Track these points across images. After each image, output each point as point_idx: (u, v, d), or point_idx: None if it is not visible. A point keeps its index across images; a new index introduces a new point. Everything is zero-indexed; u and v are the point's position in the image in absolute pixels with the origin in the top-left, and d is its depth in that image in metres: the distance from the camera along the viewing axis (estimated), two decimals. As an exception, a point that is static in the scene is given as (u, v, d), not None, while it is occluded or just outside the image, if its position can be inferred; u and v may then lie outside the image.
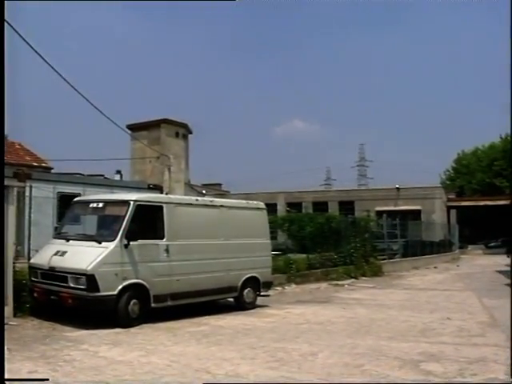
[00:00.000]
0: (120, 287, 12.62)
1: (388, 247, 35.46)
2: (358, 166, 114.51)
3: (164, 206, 14.01)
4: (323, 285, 24.15)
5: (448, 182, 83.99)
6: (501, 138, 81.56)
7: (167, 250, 13.78)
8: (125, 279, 12.73)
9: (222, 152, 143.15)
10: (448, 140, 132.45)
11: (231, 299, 16.42)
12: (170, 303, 13.90)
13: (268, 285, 17.50)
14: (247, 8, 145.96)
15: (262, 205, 17.75)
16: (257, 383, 8.36)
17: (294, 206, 51.90)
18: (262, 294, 17.14)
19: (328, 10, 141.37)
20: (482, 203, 67.63)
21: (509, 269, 29.31)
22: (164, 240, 13.77)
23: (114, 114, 22.56)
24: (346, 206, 54.93)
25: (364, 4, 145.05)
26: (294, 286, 22.97)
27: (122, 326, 12.43)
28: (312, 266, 25.65)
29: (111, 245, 12.68)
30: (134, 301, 12.87)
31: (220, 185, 70.08)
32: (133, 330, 12.36)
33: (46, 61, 15.36)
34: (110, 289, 12.45)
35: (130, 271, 12.87)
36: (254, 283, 16.53)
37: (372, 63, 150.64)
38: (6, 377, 7.41)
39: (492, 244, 69.46)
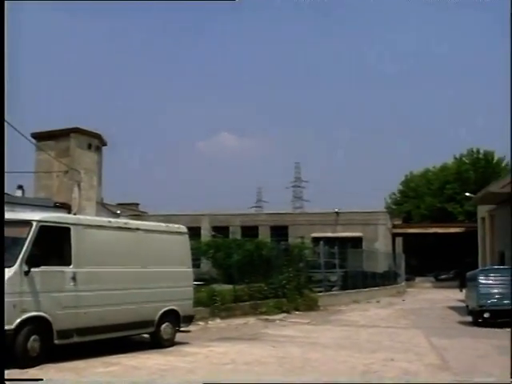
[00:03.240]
0: (18, 321, 12.53)
1: (325, 278, 36.08)
2: (292, 186, 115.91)
3: (72, 227, 14.04)
4: (251, 320, 24.46)
5: (394, 207, 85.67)
6: (454, 158, 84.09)
7: (74, 278, 13.79)
8: (24, 311, 12.66)
9: (140, 168, 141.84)
10: (395, 160, 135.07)
11: (147, 335, 16.53)
12: (76, 339, 13.88)
13: (189, 319, 17.68)
14: (167, 13, 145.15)
15: (183, 228, 17.96)
16: (256, 383, 8.45)
17: (220, 230, 52.15)
18: (181, 329, 17.31)
19: (255, 15, 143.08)
20: (431, 230, 69.50)
21: (462, 304, 30.32)
22: (71, 266, 13.79)
23: (16, 120, 22.36)
24: (279, 232, 55.50)
25: (294, 9, 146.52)
26: (218, 320, 23.20)
27: (20, 366, 12.31)
28: (239, 299, 25.94)
29: (9, 271, 12.57)
30: (34, 336, 12.78)
31: (137, 205, 69.71)
32: (32, 370, 12.24)
33: None
34: (6, 322, 12.30)
35: (31, 302, 12.82)
36: (172, 317, 16.69)
37: (311, 72, 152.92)
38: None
39: (443, 276, 71.23)
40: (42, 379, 8.37)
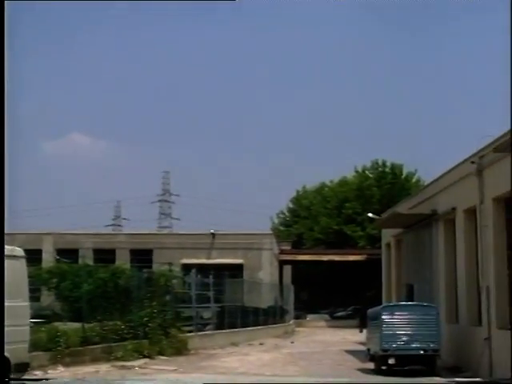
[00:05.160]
0: None
1: (197, 315, 36.06)
2: (159, 201, 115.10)
3: None
4: (104, 367, 24.07)
5: (282, 229, 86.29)
6: (356, 171, 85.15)
7: None
8: None
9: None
10: (284, 172, 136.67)
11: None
12: None
13: (22, 367, 17.13)
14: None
15: (19, 251, 17.47)
16: (256, 383, 8.32)
17: (67, 253, 51.20)
18: (12, 381, 16.77)
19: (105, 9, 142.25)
20: (326, 258, 70.27)
21: (363, 348, 30.79)
22: None
23: None
24: (141, 256, 55.12)
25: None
26: (61, 368, 22.68)
27: None
28: (89, 341, 25.45)
29: None
30: None
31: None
32: None
33: None
34: None
35: None
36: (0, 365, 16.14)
37: (185, 68, 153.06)
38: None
39: (339, 314, 72.35)
40: (42, 379, 8.03)
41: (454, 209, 28.19)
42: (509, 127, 21.18)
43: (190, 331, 33.56)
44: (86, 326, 26.09)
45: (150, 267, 46.72)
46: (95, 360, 24.88)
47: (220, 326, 38.06)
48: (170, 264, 41.18)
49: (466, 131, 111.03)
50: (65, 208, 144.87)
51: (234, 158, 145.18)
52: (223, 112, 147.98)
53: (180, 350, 30.02)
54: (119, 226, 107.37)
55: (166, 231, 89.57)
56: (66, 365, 23.15)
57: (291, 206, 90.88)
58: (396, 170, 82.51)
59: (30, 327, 17.85)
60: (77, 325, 26.13)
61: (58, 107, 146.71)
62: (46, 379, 7.76)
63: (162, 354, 28.42)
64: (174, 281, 35.46)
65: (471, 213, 26.61)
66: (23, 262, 17.44)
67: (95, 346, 25.61)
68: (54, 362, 22.89)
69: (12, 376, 6.78)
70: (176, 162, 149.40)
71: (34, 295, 24.24)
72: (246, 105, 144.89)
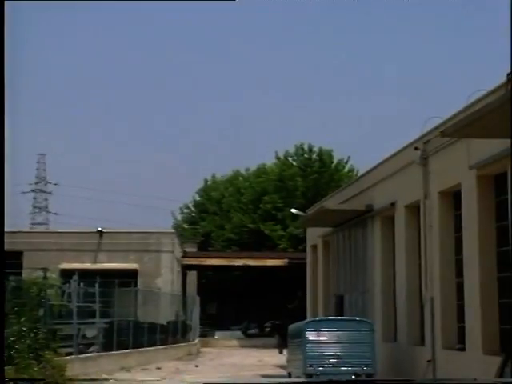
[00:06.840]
0: None
1: (79, 333, 35.62)
2: (32, 191, 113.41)
3: None
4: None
5: (186, 226, 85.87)
6: (277, 158, 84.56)
7: None
8: None
9: None
10: (190, 158, 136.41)
11: None
12: None
13: None
14: None
15: None
16: (256, 383, 8.16)
17: None
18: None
19: None
20: (239, 262, 70.25)
21: (283, 372, 30.88)
22: None
23: None
24: (8, 260, 53.52)
25: None
26: None
27: None
28: None
29: None
30: None
31: None
32: None
33: None
34: None
35: None
36: None
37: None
38: None
39: (254, 330, 72.40)
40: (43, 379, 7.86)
41: (393, 204, 28.39)
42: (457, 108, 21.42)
43: (70, 354, 33.11)
44: None
45: (19, 274, 46.03)
46: None
47: (107, 347, 37.72)
48: (45, 270, 40.63)
49: (409, 112, 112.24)
50: None
51: (129, 140, 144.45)
52: (121, 90, 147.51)
53: (56, 377, 29.57)
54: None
55: (40, 229, 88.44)
56: None
57: (198, 198, 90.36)
58: (324, 156, 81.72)
59: None
60: None
61: None
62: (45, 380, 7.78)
63: (32, 384, 28.00)
64: (50, 291, 34.94)
65: (414, 209, 26.86)
66: None
67: None
68: None
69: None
70: (54, 144, 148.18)
71: None
72: (148, 85, 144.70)
